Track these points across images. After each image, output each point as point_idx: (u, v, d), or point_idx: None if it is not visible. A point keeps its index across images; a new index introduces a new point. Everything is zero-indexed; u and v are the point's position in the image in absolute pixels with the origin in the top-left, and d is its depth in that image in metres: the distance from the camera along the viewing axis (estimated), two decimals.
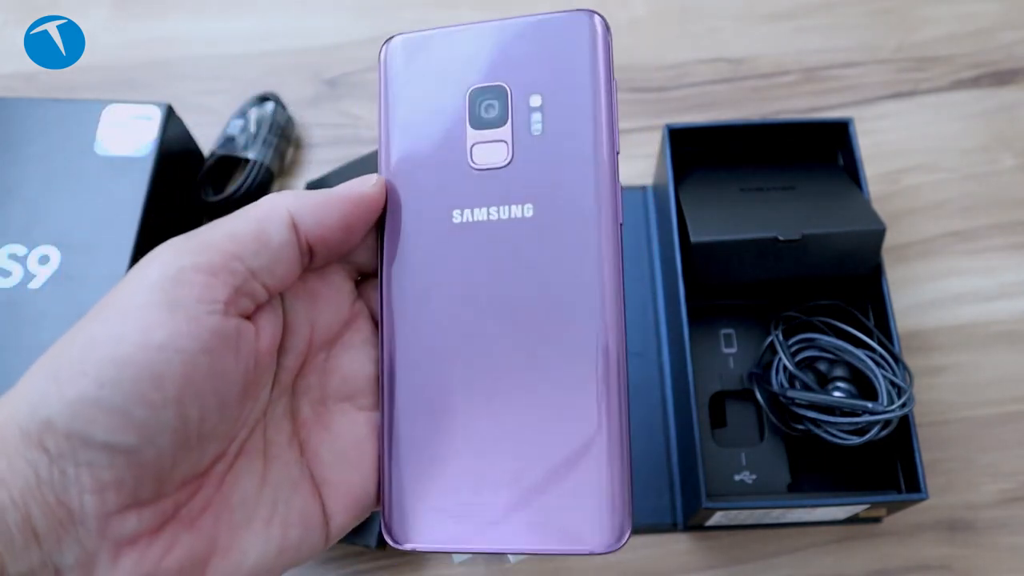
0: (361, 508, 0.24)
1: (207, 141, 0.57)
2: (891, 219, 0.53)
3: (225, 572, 0.21)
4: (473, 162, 0.24)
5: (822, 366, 0.47)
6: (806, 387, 0.45)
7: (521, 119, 0.24)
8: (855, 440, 0.43)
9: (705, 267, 0.47)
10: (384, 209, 0.24)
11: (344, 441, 0.24)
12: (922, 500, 0.42)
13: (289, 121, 0.58)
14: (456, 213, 0.24)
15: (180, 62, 0.62)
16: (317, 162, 0.59)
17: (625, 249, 0.26)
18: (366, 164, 0.54)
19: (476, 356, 0.23)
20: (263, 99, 0.58)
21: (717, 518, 0.44)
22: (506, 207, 0.23)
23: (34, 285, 0.45)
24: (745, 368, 0.50)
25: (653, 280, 0.54)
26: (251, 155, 0.55)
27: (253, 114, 0.57)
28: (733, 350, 0.50)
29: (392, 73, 0.25)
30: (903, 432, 0.44)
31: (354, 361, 0.25)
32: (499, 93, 0.24)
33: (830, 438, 0.44)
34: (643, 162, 0.56)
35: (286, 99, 0.59)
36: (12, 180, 0.48)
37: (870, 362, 0.44)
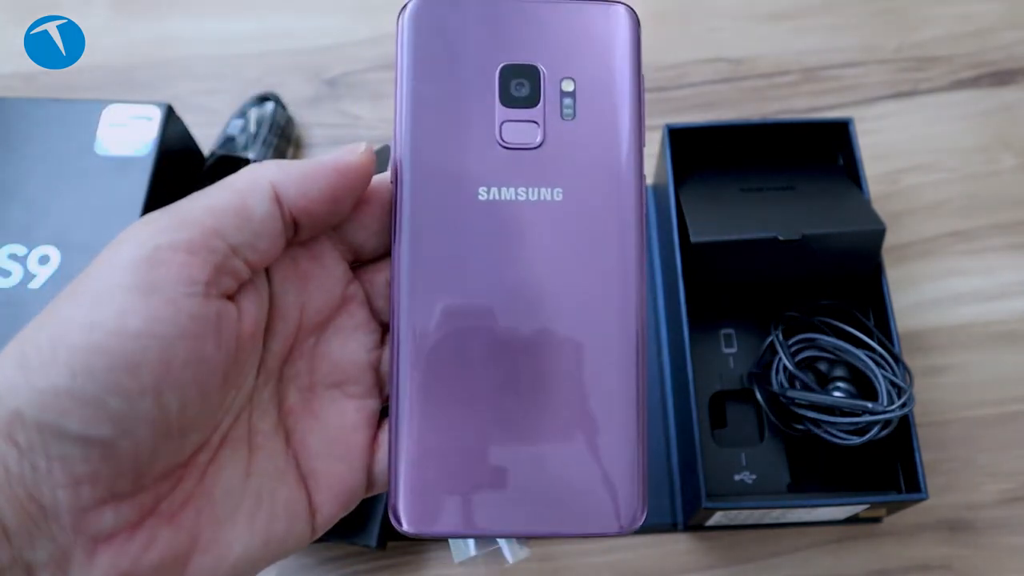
0: (349, 500, 0.23)
1: (207, 141, 0.57)
2: (891, 219, 0.52)
3: (207, 568, 0.20)
4: (503, 140, 0.23)
5: (822, 366, 0.47)
6: (806, 387, 0.45)
7: (553, 101, 0.23)
8: (855, 440, 0.43)
9: (705, 267, 0.47)
10: (399, 182, 0.23)
11: (332, 430, 0.23)
12: (922, 500, 0.42)
13: (289, 121, 0.58)
14: (482, 190, 0.23)
15: (180, 62, 0.62)
16: None
17: None
18: None
19: (495, 336, 0.23)
20: (263, 99, 0.58)
21: (717, 518, 0.44)
22: (535, 189, 0.23)
23: (34, 285, 0.45)
24: (745, 368, 0.50)
25: (653, 280, 0.54)
26: (251, 155, 0.55)
27: (253, 114, 0.57)
28: (733, 350, 0.50)
29: (414, 34, 0.23)
30: (903, 432, 0.44)
31: (345, 347, 0.24)
32: (532, 73, 0.23)
33: (830, 438, 0.44)
34: (644, 162, 0.56)
35: (286, 99, 0.59)
36: (12, 180, 0.48)
37: (870, 362, 0.44)
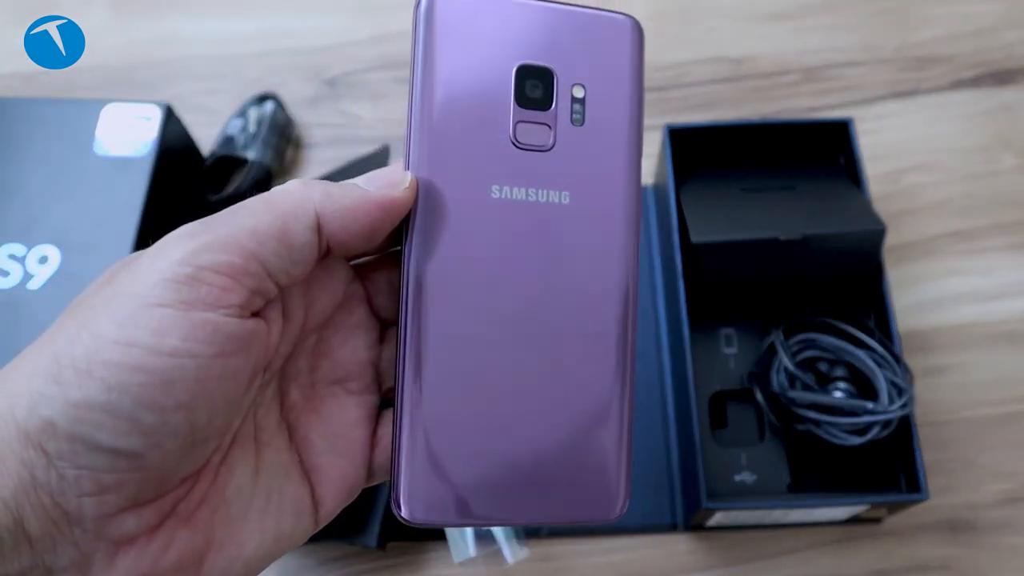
0: (350, 493, 0.23)
1: (207, 141, 0.57)
2: (891, 219, 0.52)
3: (221, 566, 0.21)
4: (517, 140, 0.24)
5: (822, 366, 0.47)
6: (806, 387, 0.45)
7: (564, 106, 0.24)
8: (855, 440, 0.43)
9: (705, 267, 0.47)
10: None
11: (334, 425, 0.24)
12: (923, 500, 0.42)
13: (289, 121, 0.58)
14: (495, 188, 0.23)
15: (180, 62, 0.62)
16: (317, 162, 0.59)
17: None
18: (366, 164, 0.54)
19: (499, 332, 0.23)
20: (263, 99, 0.58)
21: (717, 518, 0.44)
22: (544, 191, 0.24)
23: (33, 285, 0.45)
24: (745, 368, 0.49)
25: (653, 280, 0.54)
26: (251, 155, 0.55)
27: (253, 114, 0.57)
28: (733, 350, 0.50)
29: (431, 28, 0.24)
30: (904, 432, 0.44)
31: (346, 344, 0.24)
32: (546, 75, 0.24)
33: (830, 438, 0.44)
34: (644, 162, 0.56)
35: (286, 99, 0.59)
36: (11, 180, 0.48)
37: (871, 362, 0.44)
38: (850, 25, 0.63)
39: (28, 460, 0.18)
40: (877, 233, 0.45)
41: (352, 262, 0.25)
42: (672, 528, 0.47)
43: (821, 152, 0.52)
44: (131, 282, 0.19)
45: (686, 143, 0.50)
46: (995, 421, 0.50)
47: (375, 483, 0.25)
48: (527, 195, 0.23)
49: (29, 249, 0.46)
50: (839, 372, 0.46)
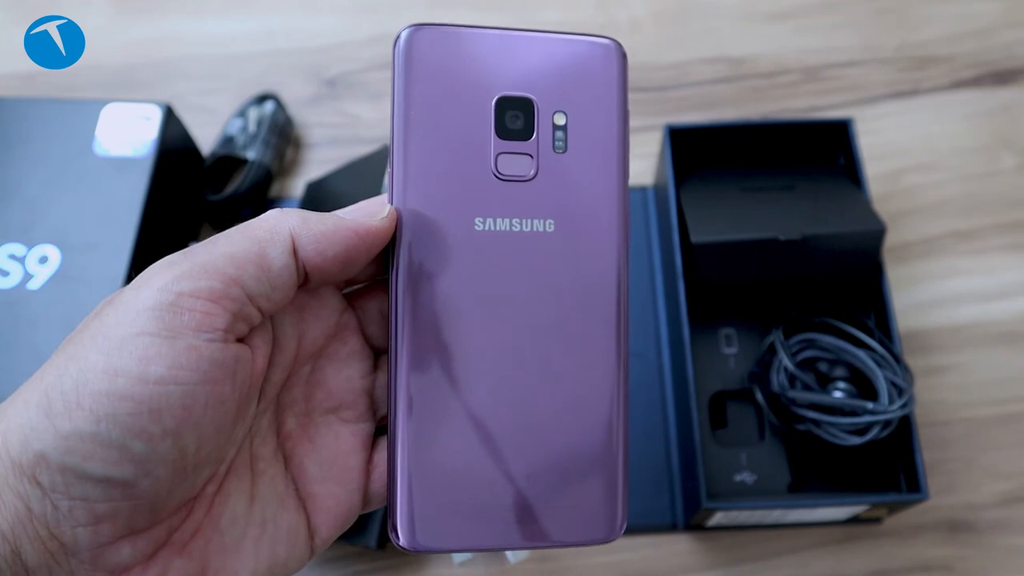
0: (346, 521, 0.24)
1: (207, 141, 0.57)
2: (891, 219, 0.53)
3: None
4: (498, 171, 0.24)
5: (822, 366, 0.47)
6: (806, 387, 0.45)
7: (546, 135, 0.24)
8: (856, 440, 0.43)
9: (705, 267, 0.47)
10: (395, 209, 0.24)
11: (329, 454, 0.24)
12: (923, 500, 0.42)
13: (289, 121, 0.58)
14: (479, 220, 0.23)
15: (180, 62, 0.62)
16: (317, 162, 0.59)
17: None
18: (366, 164, 0.54)
19: (490, 361, 0.23)
20: (263, 99, 0.58)
21: (717, 518, 0.44)
22: (529, 220, 0.24)
23: (33, 285, 0.45)
24: (745, 368, 0.50)
25: (653, 280, 0.54)
26: (250, 155, 0.55)
27: (252, 114, 0.57)
28: (733, 350, 0.50)
29: (410, 65, 0.24)
30: (904, 432, 0.44)
31: (340, 373, 0.24)
32: (526, 105, 0.24)
33: (830, 438, 0.44)
34: (643, 162, 0.56)
35: (286, 99, 0.59)
36: (11, 180, 0.48)
37: (871, 362, 0.44)
38: (850, 25, 0.63)
39: (23, 493, 0.19)
40: (877, 233, 0.45)
41: (344, 291, 0.25)
42: (672, 528, 0.47)
43: (821, 152, 0.52)
44: (116, 314, 0.20)
45: (686, 143, 0.50)
46: (995, 421, 0.50)
47: (371, 510, 0.25)
48: (511, 226, 0.24)
49: (29, 249, 0.46)
50: (839, 372, 0.46)
